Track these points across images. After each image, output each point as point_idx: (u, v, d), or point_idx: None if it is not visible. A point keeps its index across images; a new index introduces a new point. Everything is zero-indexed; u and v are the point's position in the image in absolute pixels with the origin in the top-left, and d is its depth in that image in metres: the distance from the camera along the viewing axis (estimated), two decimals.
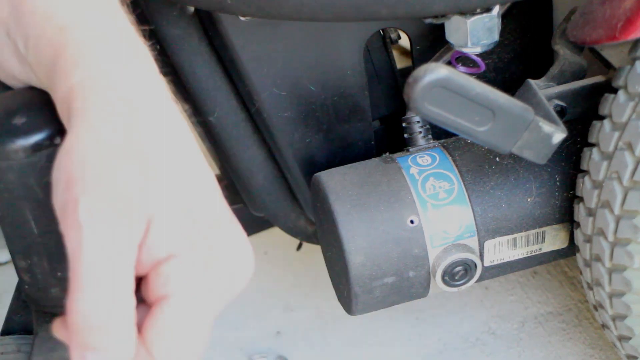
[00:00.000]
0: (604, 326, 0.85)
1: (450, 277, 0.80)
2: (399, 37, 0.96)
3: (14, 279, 0.65)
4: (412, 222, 0.78)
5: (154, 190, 0.49)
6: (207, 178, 0.52)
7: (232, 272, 0.51)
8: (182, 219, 0.50)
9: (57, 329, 0.50)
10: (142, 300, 0.51)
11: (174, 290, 0.49)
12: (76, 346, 0.47)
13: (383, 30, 0.94)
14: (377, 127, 0.96)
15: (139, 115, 0.50)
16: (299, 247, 1.18)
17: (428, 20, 0.78)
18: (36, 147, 0.53)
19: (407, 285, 0.80)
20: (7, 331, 0.71)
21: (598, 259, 0.78)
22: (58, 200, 0.49)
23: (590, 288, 0.82)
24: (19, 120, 0.54)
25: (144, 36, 0.56)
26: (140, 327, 0.49)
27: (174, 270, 0.49)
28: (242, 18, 0.79)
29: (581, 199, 0.78)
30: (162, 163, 0.50)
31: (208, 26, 0.85)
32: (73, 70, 0.51)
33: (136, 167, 0.49)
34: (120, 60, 0.51)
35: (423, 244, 0.78)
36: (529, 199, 0.81)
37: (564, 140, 0.75)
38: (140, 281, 0.51)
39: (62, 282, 0.54)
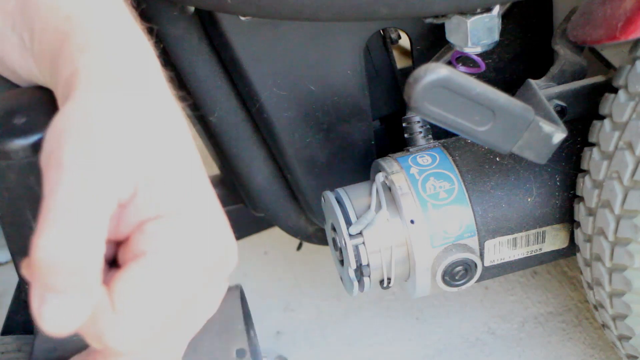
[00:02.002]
0: (604, 326, 0.85)
1: (451, 277, 0.80)
2: (399, 37, 0.96)
3: (14, 279, 0.65)
4: None
5: (146, 150, 0.48)
6: (198, 175, 0.52)
7: (216, 252, 0.50)
8: (174, 183, 0.48)
9: (24, 268, 0.47)
10: (116, 265, 0.49)
11: (155, 247, 0.47)
12: (37, 286, 0.45)
13: (383, 30, 0.94)
14: (377, 127, 0.96)
15: (140, 110, 0.50)
16: (299, 247, 1.18)
17: (428, 20, 0.78)
18: (36, 147, 0.53)
19: None
20: (8, 331, 0.71)
21: (598, 258, 0.77)
22: (44, 154, 0.48)
23: (591, 288, 0.82)
24: (19, 120, 0.54)
25: (148, 33, 0.56)
26: (108, 284, 0.47)
27: (159, 228, 0.48)
28: (242, 18, 0.79)
29: (581, 199, 0.78)
30: (159, 157, 0.49)
31: (208, 26, 0.85)
32: (79, 55, 0.51)
33: (127, 137, 0.48)
34: (124, 57, 0.51)
35: None
36: (529, 199, 0.81)
37: (564, 140, 0.75)
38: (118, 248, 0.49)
39: None
